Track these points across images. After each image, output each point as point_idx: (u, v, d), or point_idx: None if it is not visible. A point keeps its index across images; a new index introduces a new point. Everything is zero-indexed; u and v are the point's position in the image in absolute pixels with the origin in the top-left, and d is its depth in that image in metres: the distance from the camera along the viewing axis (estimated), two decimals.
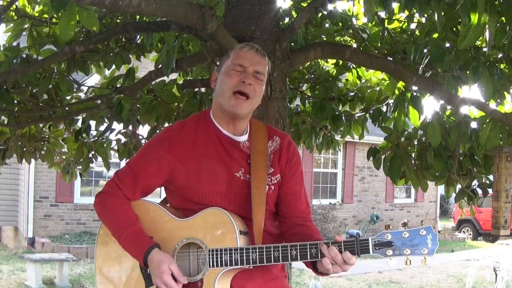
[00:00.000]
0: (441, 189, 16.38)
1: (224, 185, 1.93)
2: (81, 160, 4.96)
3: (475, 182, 3.78)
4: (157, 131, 4.39)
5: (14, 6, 3.54)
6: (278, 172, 2.01)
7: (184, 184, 1.93)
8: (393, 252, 1.76)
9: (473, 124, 3.57)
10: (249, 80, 1.90)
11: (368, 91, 4.36)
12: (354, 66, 4.34)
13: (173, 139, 1.96)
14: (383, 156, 3.85)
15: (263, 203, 1.93)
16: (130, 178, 1.95)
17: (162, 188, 2.06)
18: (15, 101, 4.17)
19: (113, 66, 4.20)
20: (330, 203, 15.70)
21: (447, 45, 3.20)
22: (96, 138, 4.82)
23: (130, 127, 4.29)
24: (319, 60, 4.38)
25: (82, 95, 4.70)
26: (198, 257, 1.86)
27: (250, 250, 1.79)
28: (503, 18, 2.52)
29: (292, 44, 3.75)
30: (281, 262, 1.80)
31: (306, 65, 4.32)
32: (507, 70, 3.39)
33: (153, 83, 4.09)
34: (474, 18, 2.29)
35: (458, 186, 3.74)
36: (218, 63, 3.42)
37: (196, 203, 1.91)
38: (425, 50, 3.08)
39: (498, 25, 2.45)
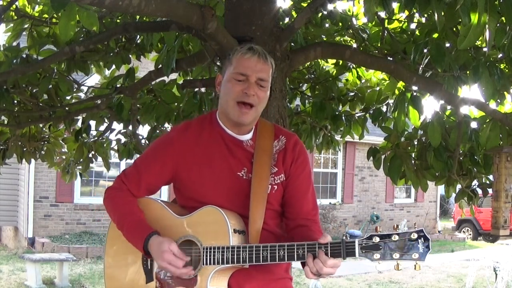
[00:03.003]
0: (441, 189, 16.37)
1: (226, 185, 1.95)
2: (81, 160, 4.97)
3: (475, 182, 3.78)
4: (157, 131, 4.41)
5: (14, 6, 3.54)
6: (282, 172, 2.00)
7: (187, 183, 1.97)
8: (381, 256, 1.68)
9: (473, 124, 3.57)
10: (252, 91, 1.90)
11: (368, 91, 4.36)
12: (354, 66, 4.34)
13: (177, 139, 2.00)
14: (383, 156, 3.85)
15: (263, 202, 1.93)
16: (135, 176, 2.00)
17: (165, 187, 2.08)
18: (15, 101, 4.17)
19: (113, 66, 4.20)
20: (330, 203, 15.70)
21: (447, 45, 3.20)
22: (96, 138, 4.82)
23: (130, 127, 4.29)
24: (319, 60, 4.38)
25: (82, 95, 4.70)
26: (195, 254, 1.87)
27: (240, 249, 1.81)
28: (503, 18, 2.53)
29: (292, 44, 3.75)
30: (269, 262, 1.80)
31: (306, 65, 4.32)
32: (507, 70, 3.40)
33: (153, 83, 4.10)
34: (474, 18, 2.29)
35: (458, 186, 3.74)
36: (218, 63, 3.44)
37: (198, 202, 1.93)
38: (425, 50, 3.09)
39: (498, 25, 2.45)
